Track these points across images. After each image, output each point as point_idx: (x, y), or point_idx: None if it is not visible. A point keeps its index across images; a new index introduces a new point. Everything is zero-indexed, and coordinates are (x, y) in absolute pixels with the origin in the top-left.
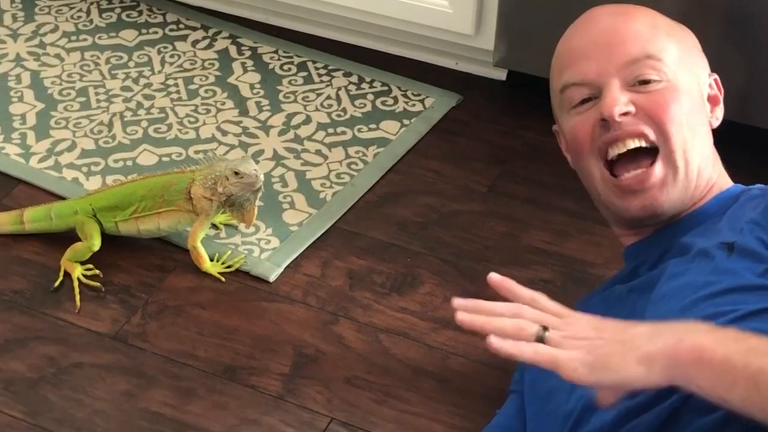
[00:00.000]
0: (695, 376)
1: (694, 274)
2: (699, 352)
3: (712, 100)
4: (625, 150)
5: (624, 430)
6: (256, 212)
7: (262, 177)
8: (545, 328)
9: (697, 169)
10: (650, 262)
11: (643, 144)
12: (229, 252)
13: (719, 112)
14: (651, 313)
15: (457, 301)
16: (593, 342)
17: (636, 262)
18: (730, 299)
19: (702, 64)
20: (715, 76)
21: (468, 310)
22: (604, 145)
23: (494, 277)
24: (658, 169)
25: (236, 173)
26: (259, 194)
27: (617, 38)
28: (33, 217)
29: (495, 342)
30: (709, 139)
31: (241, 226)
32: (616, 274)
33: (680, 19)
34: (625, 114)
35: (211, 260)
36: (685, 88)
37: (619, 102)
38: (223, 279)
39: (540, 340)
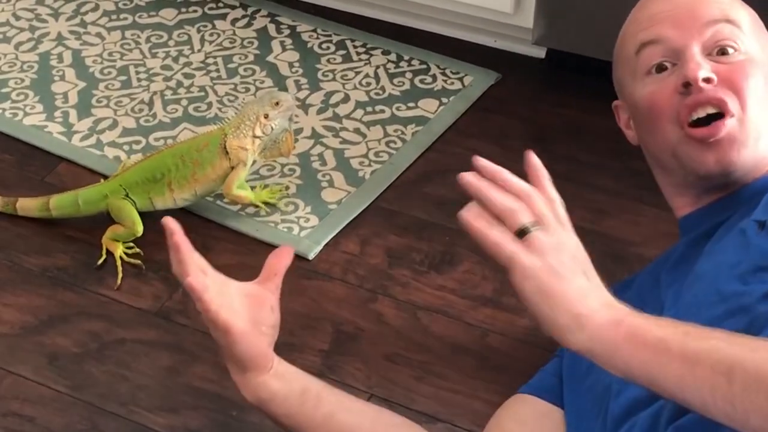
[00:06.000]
0: (626, 354)
1: (729, 252)
2: (634, 330)
3: None
4: (704, 115)
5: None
6: (293, 138)
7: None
8: (534, 226)
9: (765, 144)
10: (704, 233)
11: (720, 111)
12: (269, 186)
13: None
14: (687, 289)
15: (479, 161)
16: (562, 267)
17: (692, 233)
18: (758, 277)
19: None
20: None
21: (485, 173)
22: (686, 109)
23: (533, 160)
24: (731, 122)
25: (276, 103)
26: (293, 117)
27: (697, 1)
28: (59, 204)
29: (468, 215)
30: None
31: (280, 161)
32: (668, 249)
33: None
34: (708, 80)
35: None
36: (759, 61)
37: (703, 67)
38: (266, 209)
39: (521, 232)
